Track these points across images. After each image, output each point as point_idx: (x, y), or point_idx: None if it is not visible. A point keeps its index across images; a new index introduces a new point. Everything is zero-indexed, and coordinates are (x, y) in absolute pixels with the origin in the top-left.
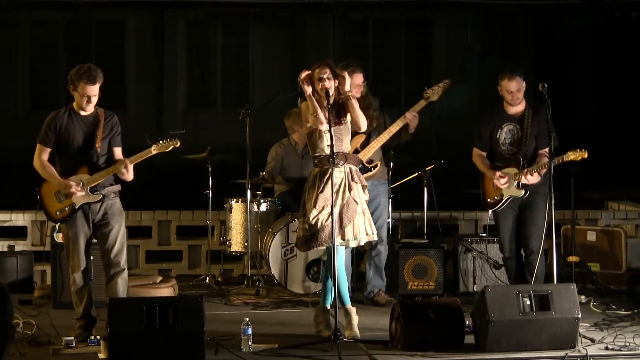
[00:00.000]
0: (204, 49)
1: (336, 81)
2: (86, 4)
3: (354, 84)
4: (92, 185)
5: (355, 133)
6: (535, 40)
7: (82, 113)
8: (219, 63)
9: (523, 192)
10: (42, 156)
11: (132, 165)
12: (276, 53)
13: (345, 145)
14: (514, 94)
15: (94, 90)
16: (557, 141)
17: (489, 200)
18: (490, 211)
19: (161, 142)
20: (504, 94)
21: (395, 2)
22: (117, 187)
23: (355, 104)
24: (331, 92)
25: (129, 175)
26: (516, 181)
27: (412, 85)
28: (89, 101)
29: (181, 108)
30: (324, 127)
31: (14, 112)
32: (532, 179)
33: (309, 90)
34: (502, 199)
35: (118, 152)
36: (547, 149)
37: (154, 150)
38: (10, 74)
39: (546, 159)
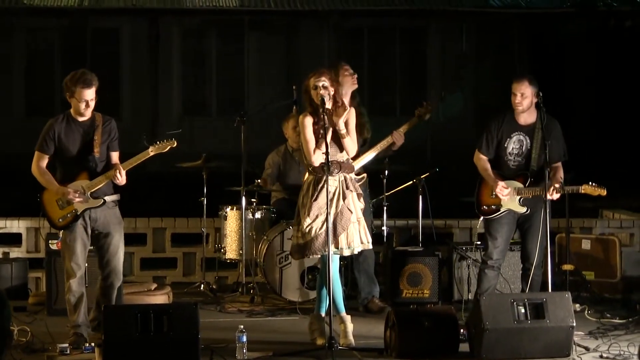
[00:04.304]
0: (199, 56)
1: (332, 89)
2: (82, 11)
3: (343, 74)
4: (92, 191)
5: None
6: (530, 48)
7: (80, 119)
8: (214, 70)
9: (525, 209)
10: (40, 163)
11: (125, 170)
12: (271, 61)
13: (340, 153)
14: (517, 97)
15: (90, 94)
16: (567, 155)
17: (484, 207)
18: (482, 218)
19: (158, 143)
20: (511, 97)
21: (390, 10)
22: (116, 197)
23: (347, 140)
24: (327, 99)
25: (122, 179)
26: (519, 197)
27: (407, 93)
28: (87, 106)
29: (176, 115)
30: (317, 158)
31: (9, 118)
32: (557, 196)
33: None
34: (498, 209)
35: (115, 157)
36: (559, 163)
37: (151, 151)
38: (5, 81)
39: (561, 174)
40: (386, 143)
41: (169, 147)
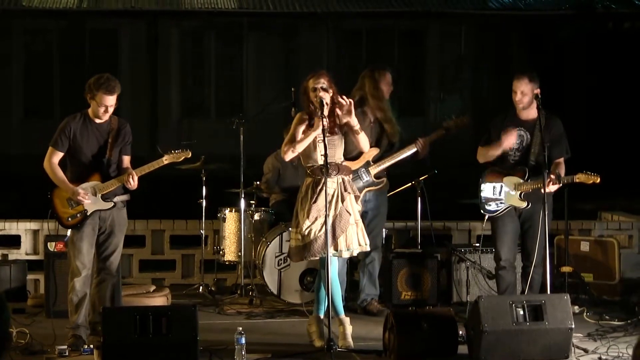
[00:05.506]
0: (197, 58)
1: (331, 91)
2: (80, 12)
3: (387, 82)
4: (103, 193)
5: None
6: (529, 50)
7: (97, 121)
8: (213, 72)
9: (526, 204)
10: (52, 159)
11: (137, 176)
12: (270, 62)
13: (338, 155)
14: (517, 94)
15: (112, 100)
16: (569, 152)
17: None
18: (487, 216)
19: (173, 152)
20: (512, 94)
21: (388, 12)
22: (126, 197)
23: (361, 136)
24: (326, 101)
25: (134, 184)
26: (519, 192)
27: (405, 95)
28: (106, 111)
29: (175, 117)
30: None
31: (7, 120)
32: (554, 187)
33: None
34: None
35: (127, 160)
36: (562, 159)
37: (165, 160)
38: (3, 83)
39: (562, 170)
40: (408, 151)
41: (183, 157)
